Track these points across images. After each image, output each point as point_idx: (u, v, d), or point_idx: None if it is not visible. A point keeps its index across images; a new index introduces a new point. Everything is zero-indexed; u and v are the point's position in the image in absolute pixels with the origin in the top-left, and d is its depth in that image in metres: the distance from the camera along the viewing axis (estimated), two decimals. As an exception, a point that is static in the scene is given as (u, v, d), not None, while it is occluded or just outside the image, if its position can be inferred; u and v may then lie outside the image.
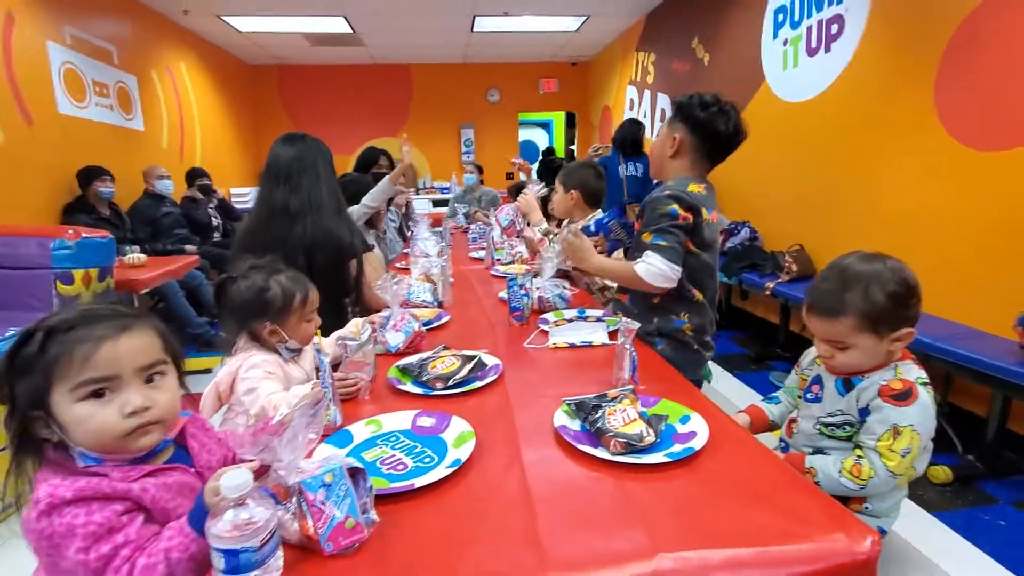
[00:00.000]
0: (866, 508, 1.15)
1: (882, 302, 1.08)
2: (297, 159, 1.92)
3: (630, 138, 4.81)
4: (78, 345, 0.75)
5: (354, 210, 2.98)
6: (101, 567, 0.71)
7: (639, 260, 1.62)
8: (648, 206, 1.68)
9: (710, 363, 1.89)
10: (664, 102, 5.97)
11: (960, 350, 2.32)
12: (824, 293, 1.14)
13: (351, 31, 6.49)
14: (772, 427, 1.41)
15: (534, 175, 4.77)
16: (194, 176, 5.29)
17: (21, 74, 3.78)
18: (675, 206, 1.60)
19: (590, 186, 2.57)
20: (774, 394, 1.44)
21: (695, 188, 1.66)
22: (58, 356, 0.75)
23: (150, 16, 5.55)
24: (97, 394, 0.76)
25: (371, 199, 2.90)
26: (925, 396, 1.09)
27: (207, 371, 3.67)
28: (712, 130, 1.65)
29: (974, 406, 2.68)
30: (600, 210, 2.64)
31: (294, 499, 0.78)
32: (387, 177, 2.90)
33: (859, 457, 1.10)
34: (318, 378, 1.16)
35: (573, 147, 9.86)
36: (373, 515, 0.81)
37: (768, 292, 3.65)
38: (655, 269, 1.58)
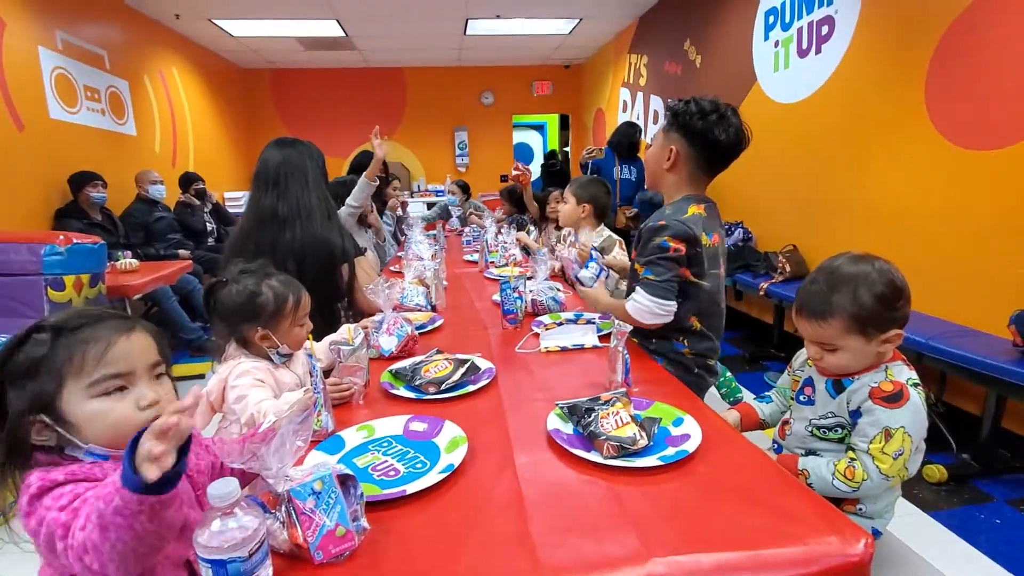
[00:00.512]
0: (860, 509, 1.14)
1: (870, 304, 1.08)
2: (285, 164, 1.91)
3: (626, 141, 4.82)
4: (91, 343, 0.76)
5: (340, 212, 2.98)
6: (70, 520, 0.69)
7: (630, 297, 1.59)
8: (643, 234, 1.60)
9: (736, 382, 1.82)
10: (657, 104, 5.99)
11: (954, 349, 2.33)
12: (812, 295, 1.14)
13: (344, 35, 6.48)
14: (762, 426, 1.40)
15: (535, 176, 4.78)
16: (188, 181, 5.26)
17: (12, 79, 3.76)
18: (666, 238, 1.51)
19: (601, 201, 2.63)
20: (766, 393, 1.45)
21: (695, 210, 1.55)
22: (71, 354, 0.75)
23: (142, 21, 5.53)
24: (115, 389, 0.77)
25: (353, 199, 2.93)
26: (916, 397, 1.09)
27: (200, 376, 3.65)
28: (711, 140, 1.52)
29: (968, 405, 2.68)
30: (604, 226, 2.70)
31: (283, 507, 0.77)
32: (363, 175, 2.91)
33: (852, 459, 1.10)
34: (311, 383, 1.15)
35: (567, 149, 9.87)
36: (364, 522, 0.81)
37: (762, 293, 3.66)
38: (642, 307, 1.54)
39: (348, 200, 2.92)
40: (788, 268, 3.64)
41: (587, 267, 1.97)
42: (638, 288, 1.56)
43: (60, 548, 0.67)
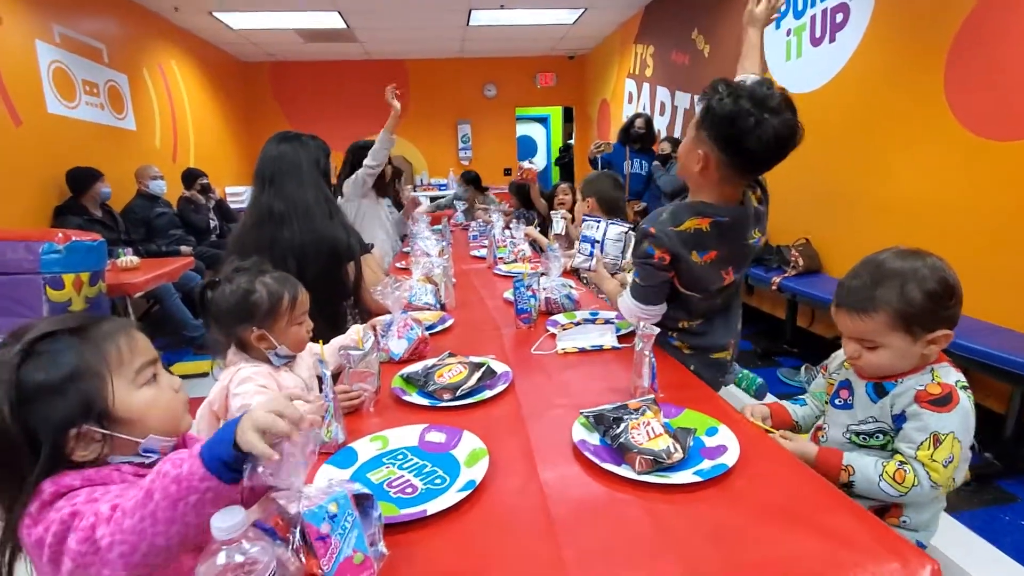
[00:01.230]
0: (904, 522, 1.08)
1: (919, 301, 1.02)
2: (279, 160, 1.84)
3: (630, 132, 4.74)
4: (118, 335, 0.75)
5: (358, 174, 2.92)
6: (86, 508, 0.64)
7: (622, 295, 1.57)
8: (637, 231, 1.50)
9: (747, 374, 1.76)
10: (664, 95, 5.89)
11: (977, 345, 2.26)
12: (855, 288, 1.08)
13: (345, 26, 6.39)
14: (795, 429, 1.33)
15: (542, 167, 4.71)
16: (192, 177, 5.17)
17: (9, 74, 3.69)
18: (651, 244, 1.40)
19: (606, 195, 2.60)
20: (800, 396, 1.37)
21: (694, 224, 1.38)
22: (106, 350, 0.73)
23: (141, 13, 5.45)
24: (152, 377, 0.78)
25: (372, 158, 2.89)
26: (966, 401, 1.03)
27: (204, 375, 3.59)
28: (743, 148, 1.29)
29: (991, 402, 2.61)
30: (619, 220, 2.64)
31: (296, 532, 0.71)
32: (384, 129, 2.87)
33: (902, 463, 1.03)
34: (320, 390, 1.08)
35: (571, 142, 9.76)
36: (382, 547, 0.74)
37: (775, 287, 3.58)
38: (627, 308, 1.54)
39: (366, 160, 2.89)
40: (801, 262, 3.56)
41: (578, 253, 1.92)
42: (627, 288, 1.54)
43: (70, 541, 0.62)
